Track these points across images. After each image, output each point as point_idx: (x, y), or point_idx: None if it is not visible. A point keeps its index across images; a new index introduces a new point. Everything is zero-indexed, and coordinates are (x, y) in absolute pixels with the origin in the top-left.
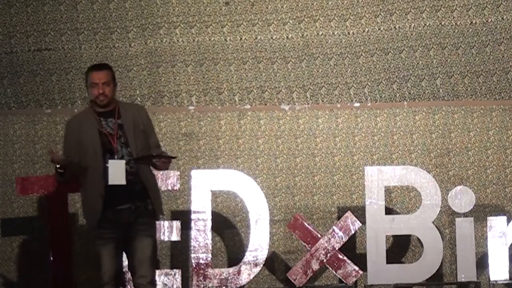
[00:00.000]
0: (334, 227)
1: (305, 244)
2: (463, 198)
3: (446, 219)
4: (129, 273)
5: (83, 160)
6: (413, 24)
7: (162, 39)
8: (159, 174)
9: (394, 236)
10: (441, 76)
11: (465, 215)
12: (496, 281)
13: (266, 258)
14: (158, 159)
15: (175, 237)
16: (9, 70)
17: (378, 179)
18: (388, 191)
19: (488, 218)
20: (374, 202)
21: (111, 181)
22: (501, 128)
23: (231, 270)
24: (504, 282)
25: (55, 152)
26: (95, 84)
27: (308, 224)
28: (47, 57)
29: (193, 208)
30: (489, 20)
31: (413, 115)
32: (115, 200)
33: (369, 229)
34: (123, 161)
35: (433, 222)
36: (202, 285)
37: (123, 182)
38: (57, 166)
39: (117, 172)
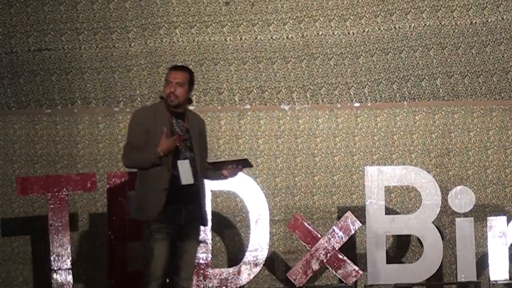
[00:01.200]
0: (334, 227)
1: (305, 244)
2: (463, 198)
3: (446, 219)
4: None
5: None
6: (413, 24)
7: (162, 39)
8: None
9: (394, 236)
10: (441, 76)
11: (465, 215)
12: (496, 281)
13: (266, 258)
14: (235, 165)
15: None
16: (9, 70)
17: (378, 179)
18: (388, 191)
19: (488, 218)
20: (374, 202)
21: (183, 181)
22: (501, 128)
23: (231, 270)
24: (504, 282)
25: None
26: (169, 82)
27: (308, 224)
28: (47, 57)
29: None
30: (489, 20)
31: (413, 115)
32: (175, 199)
33: (369, 229)
34: (187, 161)
35: (433, 222)
36: (202, 285)
37: (192, 181)
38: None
39: (186, 172)
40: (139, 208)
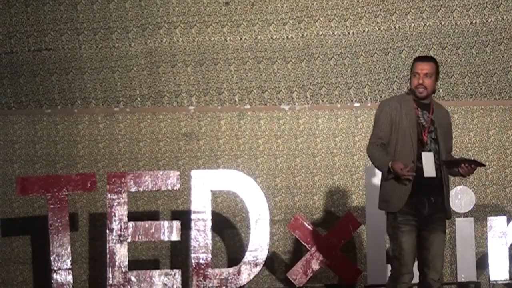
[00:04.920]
0: (334, 227)
1: (305, 244)
2: (463, 198)
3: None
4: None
5: (394, 143)
6: (413, 24)
7: (162, 39)
8: (159, 174)
9: None
10: (441, 76)
11: (465, 215)
12: (496, 281)
13: (266, 258)
14: (468, 164)
15: (175, 237)
16: (9, 70)
17: (377, 179)
18: None
19: (488, 218)
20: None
21: (426, 174)
22: (501, 128)
23: (231, 270)
24: (504, 282)
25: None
26: (417, 73)
27: (308, 224)
28: (47, 57)
29: (193, 208)
30: (489, 20)
31: None
32: (419, 191)
33: (369, 229)
34: (432, 153)
35: None
36: (202, 285)
37: (434, 175)
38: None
39: (429, 164)
40: (385, 200)
